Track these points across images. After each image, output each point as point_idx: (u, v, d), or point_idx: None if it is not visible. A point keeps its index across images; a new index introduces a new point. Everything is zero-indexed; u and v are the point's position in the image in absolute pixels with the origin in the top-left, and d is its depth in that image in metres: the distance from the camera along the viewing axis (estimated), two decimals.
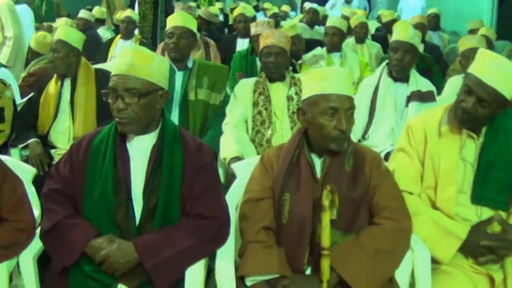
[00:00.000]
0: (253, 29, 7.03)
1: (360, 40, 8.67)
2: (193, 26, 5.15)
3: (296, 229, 3.06)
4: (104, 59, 8.53)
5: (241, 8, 9.62)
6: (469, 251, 3.23)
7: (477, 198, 3.27)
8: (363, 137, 5.17)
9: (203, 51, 7.65)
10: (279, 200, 3.10)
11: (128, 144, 3.15)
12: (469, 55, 5.42)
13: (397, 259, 3.12)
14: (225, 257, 3.16)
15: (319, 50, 7.20)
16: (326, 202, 2.89)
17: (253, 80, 5.09)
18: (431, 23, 10.63)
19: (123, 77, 2.99)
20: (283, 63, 4.93)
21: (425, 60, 7.12)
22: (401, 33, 5.20)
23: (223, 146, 4.73)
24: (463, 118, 3.24)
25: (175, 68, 5.05)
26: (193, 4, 14.64)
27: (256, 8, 16.38)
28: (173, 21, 5.13)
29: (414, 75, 5.25)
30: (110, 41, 9.43)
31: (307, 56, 7.13)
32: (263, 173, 3.22)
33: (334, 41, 7.20)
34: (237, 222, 3.31)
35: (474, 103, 3.16)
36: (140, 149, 3.14)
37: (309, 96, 3.09)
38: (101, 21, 11.67)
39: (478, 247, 3.19)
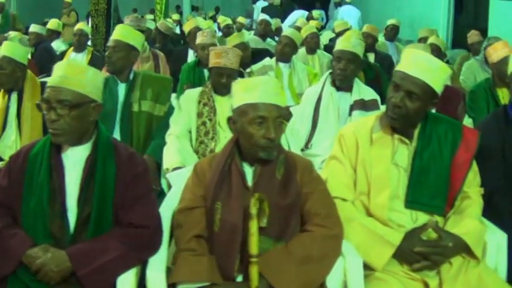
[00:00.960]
0: (199, 39, 7.03)
1: (311, 50, 8.67)
2: (132, 39, 5.13)
3: (227, 237, 3.06)
4: None
5: (194, 20, 9.60)
6: (403, 258, 3.23)
7: (410, 202, 3.30)
8: (306, 145, 5.17)
9: (152, 63, 7.63)
10: (210, 209, 3.11)
11: (63, 155, 3.18)
12: None
13: (327, 266, 3.11)
14: (156, 265, 3.15)
15: (268, 61, 7.18)
16: (253, 210, 2.91)
17: (198, 90, 5.07)
18: (390, 33, 10.77)
19: (56, 88, 3.05)
20: (232, 82, 4.88)
21: (374, 69, 7.17)
22: (343, 42, 5.23)
23: (166, 156, 4.71)
24: (394, 114, 3.26)
25: (118, 80, 5.05)
26: (149, 16, 14.64)
27: (214, 19, 16.45)
28: (112, 34, 5.20)
29: (358, 84, 5.28)
30: (63, 54, 9.37)
31: (256, 66, 7.11)
32: (195, 182, 3.22)
33: (286, 51, 7.17)
34: (172, 231, 3.32)
35: (403, 97, 3.21)
36: (75, 160, 3.17)
37: (238, 105, 3.11)
38: (57, 34, 11.55)
39: (411, 254, 3.19)
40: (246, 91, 3.09)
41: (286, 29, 7.93)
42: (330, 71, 5.35)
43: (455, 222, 3.30)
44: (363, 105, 5.15)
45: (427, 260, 3.19)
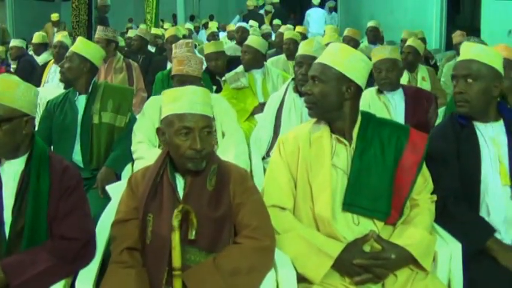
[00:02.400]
0: (174, 51, 6.86)
1: (291, 56, 8.49)
2: (86, 52, 5.07)
3: (157, 250, 3.00)
4: (38, 83, 8.38)
5: (174, 29, 9.52)
6: (343, 270, 3.09)
7: (348, 205, 3.18)
8: (268, 153, 5.03)
9: (125, 74, 7.48)
10: (143, 221, 3.05)
11: (0, 169, 3.16)
12: (381, 67, 5.29)
13: (256, 279, 3.02)
14: (85, 277, 3.10)
15: (240, 68, 7.01)
16: (175, 222, 2.85)
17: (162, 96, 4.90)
18: (369, 36, 10.59)
19: None
20: None
21: None
22: (305, 47, 5.06)
23: (140, 165, 4.56)
24: (307, 103, 3.29)
25: (77, 92, 4.99)
26: (142, 26, 14.56)
27: (206, 26, 16.35)
28: None
29: None
30: (45, 66, 9.24)
31: (229, 74, 6.96)
32: (129, 194, 3.18)
33: (246, 59, 6.99)
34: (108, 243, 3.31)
35: (309, 84, 3.26)
36: (10, 173, 3.16)
37: (165, 116, 3.07)
38: (44, 46, 11.46)
39: (352, 266, 3.05)
40: (173, 101, 3.05)
41: (249, 36, 7.73)
42: (293, 76, 5.20)
43: (401, 232, 3.17)
44: None
45: (369, 273, 3.04)
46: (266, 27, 14.08)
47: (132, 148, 4.72)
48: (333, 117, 3.26)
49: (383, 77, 5.27)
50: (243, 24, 11.10)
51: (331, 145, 3.26)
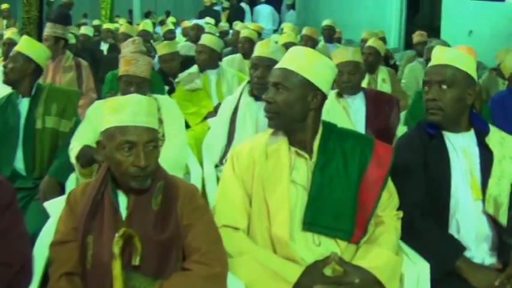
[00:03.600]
0: (123, 50, 6.63)
1: (247, 55, 8.26)
2: (32, 52, 4.81)
3: (98, 276, 2.73)
4: None
5: (125, 26, 9.22)
6: None
7: (309, 224, 2.94)
8: (221, 161, 4.75)
9: (74, 73, 7.17)
10: (82, 243, 2.77)
11: None
12: (343, 70, 5.04)
13: None
14: None
15: (194, 68, 6.75)
16: (116, 249, 2.60)
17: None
18: (325, 34, 10.32)
19: None
20: (143, 92, 4.51)
21: None
22: (261, 48, 4.79)
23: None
24: (267, 113, 3.02)
25: (20, 95, 4.72)
26: (96, 22, 14.24)
27: (162, 22, 16.06)
28: None
29: None
30: None
31: (182, 75, 6.73)
32: (67, 212, 2.88)
33: (202, 59, 6.74)
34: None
35: (271, 92, 3.00)
36: None
37: (106, 128, 2.77)
38: None
39: None
40: (115, 112, 2.76)
41: (203, 35, 7.49)
42: (248, 79, 4.92)
43: (365, 253, 2.94)
44: None
45: None
46: (223, 24, 13.80)
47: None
48: (295, 129, 3.03)
49: (344, 81, 5.05)
50: (199, 21, 10.77)
51: (289, 159, 3.03)
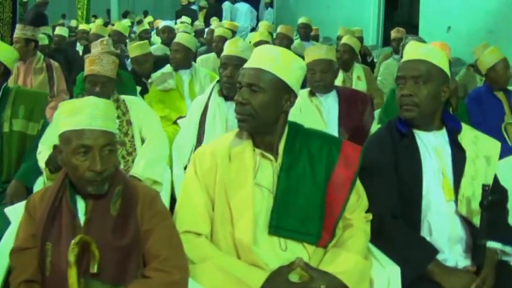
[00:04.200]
0: (92, 50, 6.56)
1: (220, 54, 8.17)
2: (0, 53, 4.66)
3: (57, 284, 2.64)
4: None
5: (96, 27, 9.10)
6: None
7: (275, 228, 2.84)
8: None
9: (46, 75, 7.06)
10: (41, 250, 2.70)
11: None
12: (315, 68, 4.95)
13: None
14: None
15: (167, 68, 6.62)
16: (71, 257, 2.51)
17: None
18: (301, 33, 10.26)
19: None
20: (108, 92, 4.56)
21: None
22: (230, 47, 4.70)
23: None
24: (239, 115, 2.88)
25: None
26: (73, 22, 14.10)
27: (140, 22, 15.92)
28: None
29: None
30: None
31: (155, 75, 6.57)
32: (27, 219, 2.82)
33: (178, 58, 6.60)
34: None
35: (245, 92, 2.86)
36: None
37: (62, 132, 2.71)
38: None
39: None
40: (71, 115, 2.68)
41: (178, 34, 7.39)
42: (218, 79, 4.81)
43: (333, 257, 2.85)
44: None
45: None
46: (199, 23, 13.66)
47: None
48: (265, 131, 2.92)
49: (317, 79, 4.95)
50: (169, 23, 10.62)
51: (254, 161, 2.92)
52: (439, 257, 3.05)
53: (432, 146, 3.19)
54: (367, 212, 3.06)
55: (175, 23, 13.33)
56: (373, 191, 3.08)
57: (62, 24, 15.54)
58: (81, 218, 2.72)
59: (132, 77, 6.82)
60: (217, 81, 4.79)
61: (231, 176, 2.91)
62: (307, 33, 10.20)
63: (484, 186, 2.95)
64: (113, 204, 2.73)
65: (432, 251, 3.04)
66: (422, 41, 6.05)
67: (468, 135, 3.25)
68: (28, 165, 4.45)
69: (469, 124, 5.23)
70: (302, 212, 2.85)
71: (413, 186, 3.13)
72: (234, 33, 10.00)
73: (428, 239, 3.10)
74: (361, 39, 9.86)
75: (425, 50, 3.19)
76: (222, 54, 4.73)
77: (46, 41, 8.92)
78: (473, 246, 3.10)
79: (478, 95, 5.67)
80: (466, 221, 3.11)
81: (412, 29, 12.84)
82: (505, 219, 3.27)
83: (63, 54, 9.18)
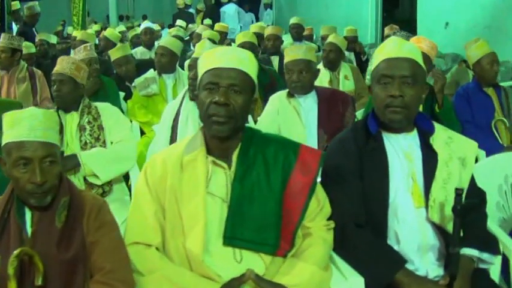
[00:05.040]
0: (74, 56, 6.40)
1: None
2: None
3: None
4: None
5: (81, 34, 8.99)
6: None
7: (229, 238, 2.70)
8: None
9: (28, 83, 7.02)
10: None
11: None
12: (293, 68, 4.78)
13: None
14: None
15: (150, 73, 6.49)
16: (10, 270, 2.47)
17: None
18: (293, 33, 10.08)
19: None
20: (69, 93, 4.48)
21: (268, 74, 6.54)
22: (198, 49, 4.67)
23: None
24: (218, 115, 2.68)
25: None
26: (69, 29, 13.99)
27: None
28: None
29: None
30: None
31: (138, 80, 6.44)
32: None
33: (163, 62, 6.48)
34: None
35: (225, 93, 2.67)
36: None
37: (5, 143, 2.67)
38: None
39: None
40: (12, 126, 2.65)
41: (163, 37, 7.24)
42: None
43: (289, 268, 2.71)
44: None
45: None
46: (192, 26, 13.46)
47: None
48: (233, 136, 2.78)
49: (294, 80, 4.77)
50: (150, 25, 10.43)
51: (206, 169, 2.76)
52: (409, 266, 2.88)
53: (402, 149, 3.01)
54: (329, 219, 2.91)
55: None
56: (336, 198, 2.93)
57: (62, 31, 15.51)
58: (28, 230, 2.67)
59: (115, 83, 6.72)
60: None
61: (182, 185, 2.76)
62: (299, 33, 10.01)
63: (457, 190, 2.72)
64: (58, 216, 2.66)
65: (399, 260, 2.86)
66: (410, 37, 5.90)
67: (441, 136, 3.05)
68: None
69: (457, 121, 5.09)
70: (257, 221, 2.71)
71: (379, 192, 2.94)
72: (225, 35, 9.81)
73: (396, 248, 2.92)
74: (355, 37, 9.69)
75: (409, 48, 2.98)
76: (192, 56, 4.62)
77: (33, 49, 8.79)
78: (447, 254, 2.90)
79: (466, 91, 5.46)
80: (438, 228, 2.92)
81: (413, 26, 12.70)
82: (483, 224, 3.07)
83: (52, 60, 9.06)
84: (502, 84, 7.55)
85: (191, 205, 2.71)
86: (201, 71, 2.77)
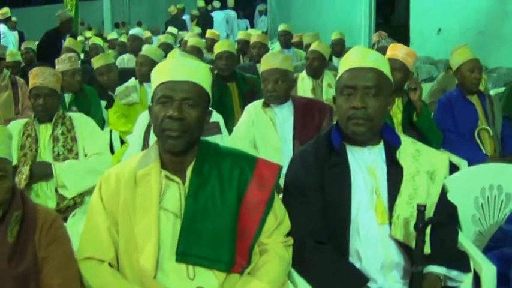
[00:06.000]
0: (56, 66, 6.32)
1: None
2: None
3: None
4: None
5: (69, 41, 8.90)
6: None
7: (182, 255, 2.62)
8: None
9: (10, 92, 7.00)
10: None
11: None
12: (269, 78, 4.66)
13: None
14: None
15: (132, 81, 6.38)
16: None
17: (23, 121, 4.60)
18: (281, 40, 9.99)
19: None
20: (55, 105, 4.55)
21: (249, 82, 6.41)
22: (169, 59, 4.41)
23: None
24: (174, 132, 2.60)
25: None
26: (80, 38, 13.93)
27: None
28: None
29: None
30: None
31: (119, 89, 6.31)
32: None
33: (143, 71, 6.32)
34: None
35: (178, 107, 2.59)
36: None
37: None
38: None
39: None
40: None
41: (144, 46, 7.16)
42: None
43: (242, 287, 2.63)
44: None
45: None
46: (182, 33, 13.36)
47: None
48: (188, 151, 2.70)
49: (270, 89, 4.64)
50: (135, 31, 10.31)
51: (160, 184, 2.68)
52: (371, 286, 2.76)
53: (365, 163, 2.89)
54: (289, 235, 2.82)
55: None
56: (295, 213, 2.84)
57: None
58: None
59: (97, 92, 6.65)
60: None
61: (136, 200, 2.69)
62: (287, 41, 9.92)
63: (418, 206, 2.61)
64: (9, 231, 2.60)
65: (360, 279, 2.75)
66: (393, 43, 5.80)
67: (408, 149, 2.94)
68: None
69: (437, 130, 4.98)
70: (211, 237, 2.63)
71: (340, 208, 2.83)
72: (215, 42, 9.69)
73: (357, 266, 2.81)
74: (342, 41, 9.64)
75: (374, 57, 2.86)
76: None
77: (18, 57, 8.73)
78: (412, 273, 2.77)
79: (449, 99, 5.31)
80: (403, 245, 2.82)
81: (408, 31, 12.62)
82: (452, 240, 2.95)
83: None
84: (493, 90, 7.47)
85: (144, 221, 2.64)
86: (154, 84, 2.69)
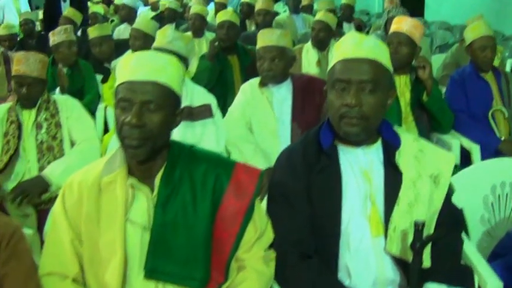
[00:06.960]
0: (52, 39, 6.16)
1: (196, 34, 7.67)
2: None
3: None
4: None
5: (67, 10, 8.68)
6: None
7: (150, 271, 2.40)
8: None
9: (3, 68, 6.79)
10: None
11: None
12: (265, 55, 4.37)
13: None
14: None
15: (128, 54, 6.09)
16: None
17: (6, 106, 4.36)
18: (289, 4, 9.64)
19: None
20: (40, 93, 4.30)
21: (250, 54, 6.06)
22: (159, 37, 4.52)
23: None
24: (132, 140, 2.32)
25: None
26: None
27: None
28: None
29: (188, 86, 4.33)
30: None
31: (115, 62, 6.19)
32: None
33: (137, 45, 6.14)
34: None
35: (137, 113, 2.29)
36: None
37: None
38: None
39: None
40: None
41: (137, 19, 6.87)
42: None
43: None
44: (190, 114, 4.23)
45: None
46: None
47: None
48: (157, 156, 2.43)
49: (266, 68, 4.36)
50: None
51: (126, 193, 2.42)
52: None
53: (359, 166, 2.58)
54: (271, 247, 2.57)
55: None
56: (279, 222, 2.57)
57: None
58: None
59: (91, 66, 6.40)
60: None
61: (100, 210, 2.45)
62: (295, 5, 9.52)
63: (416, 224, 2.29)
64: None
65: None
66: (406, 14, 5.50)
67: (409, 150, 2.61)
68: None
69: (449, 111, 4.65)
70: (183, 252, 2.40)
71: (329, 217, 2.54)
72: (224, 6, 9.32)
73: (347, 283, 2.53)
74: (352, 6, 9.38)
75: (371, 45, 2.51)
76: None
77: (15, 30, 8.55)
78: None
79: (462, 76, 4.98)
80: (399, 260, 2.53)
81: None
82: (455, 252, 2.65)
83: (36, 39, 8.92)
84: (510, 60, 7.08)
85: (109, 233, 2.42)
86: (116, 83, 2.40)
